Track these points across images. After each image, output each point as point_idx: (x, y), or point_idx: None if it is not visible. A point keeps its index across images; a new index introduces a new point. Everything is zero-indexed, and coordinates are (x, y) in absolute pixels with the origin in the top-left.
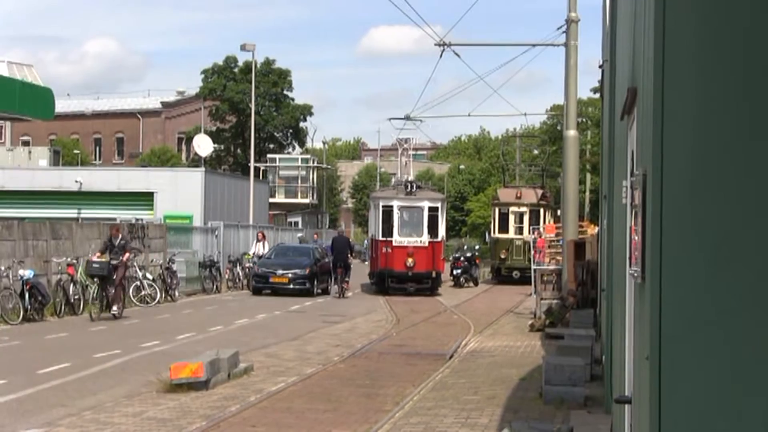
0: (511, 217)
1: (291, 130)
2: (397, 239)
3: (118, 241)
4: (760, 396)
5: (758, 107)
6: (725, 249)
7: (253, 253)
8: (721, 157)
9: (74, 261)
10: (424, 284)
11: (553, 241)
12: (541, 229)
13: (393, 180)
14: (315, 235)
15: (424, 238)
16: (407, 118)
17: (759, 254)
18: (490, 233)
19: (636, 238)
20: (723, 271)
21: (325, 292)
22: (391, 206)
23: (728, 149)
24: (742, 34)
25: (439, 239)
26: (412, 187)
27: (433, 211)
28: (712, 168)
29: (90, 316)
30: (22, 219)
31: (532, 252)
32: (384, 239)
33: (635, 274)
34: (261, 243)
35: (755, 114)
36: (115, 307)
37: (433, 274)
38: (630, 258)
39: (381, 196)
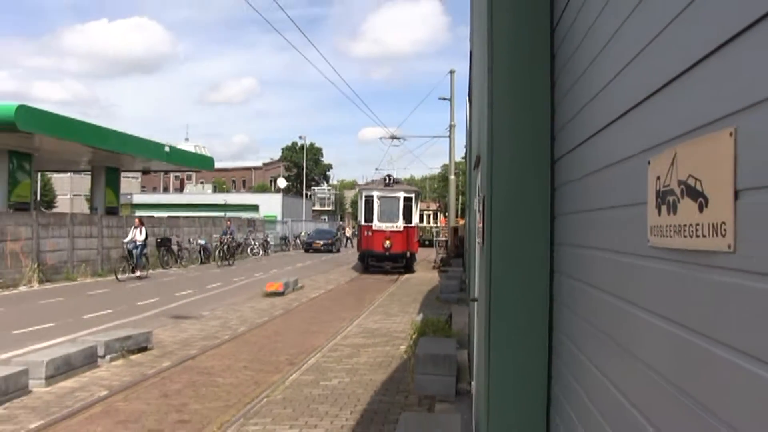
0: (424, 216)
1: (322, 176)
2: (377, 224)
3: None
4: (543, 323)
5: (539, 165)
6: (522, 232)
7: (129, 240)
8: (520, 188)
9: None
10: (399, 263)
11: (444, 227)
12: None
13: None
14: (229, 222)
15: (400, 224)
16: (376, 169)
17: (538, 235)
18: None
19: (480, 226)
20: (521, 244)
21: (338, 251)
22: (372, 196)
23: (523, 185)
24: (534, 127)
25: (413, 225)
26: (390, 180)
27: (407, 201)
28: (516, 194)
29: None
30: (198, 217)
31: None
32: (366, 224)
33: (480, 242)
34: (138, 229)
35: (537, 168)
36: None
37: (408, 254)
38: (477, 235)
39: (365, 187)
